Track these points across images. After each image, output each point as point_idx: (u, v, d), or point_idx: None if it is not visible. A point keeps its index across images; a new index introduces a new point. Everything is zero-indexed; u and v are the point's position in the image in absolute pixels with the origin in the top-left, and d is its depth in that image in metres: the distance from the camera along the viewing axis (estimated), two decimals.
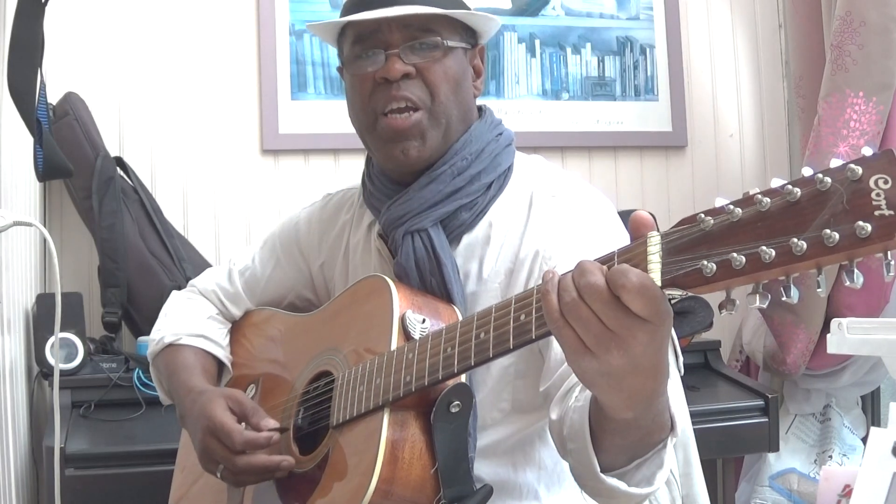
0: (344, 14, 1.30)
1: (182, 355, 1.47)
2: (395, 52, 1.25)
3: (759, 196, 0.73)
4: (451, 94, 1.28)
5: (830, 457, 2.50)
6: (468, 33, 1.32)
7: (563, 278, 0.85)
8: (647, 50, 2.85)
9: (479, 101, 1.39)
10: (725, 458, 2.45)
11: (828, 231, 0.68)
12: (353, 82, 1.31)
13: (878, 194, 0.67)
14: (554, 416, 1.12)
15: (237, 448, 1.23)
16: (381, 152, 1.30)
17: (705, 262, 0.76)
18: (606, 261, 0.85)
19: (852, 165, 0.68)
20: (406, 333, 1.17)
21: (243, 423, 1.26)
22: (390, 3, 1.25)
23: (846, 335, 1.38)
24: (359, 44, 1.29)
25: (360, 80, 1.29)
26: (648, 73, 2.85)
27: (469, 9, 1.33)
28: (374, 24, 1.26)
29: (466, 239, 1.29)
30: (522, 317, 0.95)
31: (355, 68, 1.30)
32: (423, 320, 1.18)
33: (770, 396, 2.31)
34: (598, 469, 1.01)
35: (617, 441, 0.99)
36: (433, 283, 1.25)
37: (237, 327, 1.56)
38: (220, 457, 1.25)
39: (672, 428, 1.00)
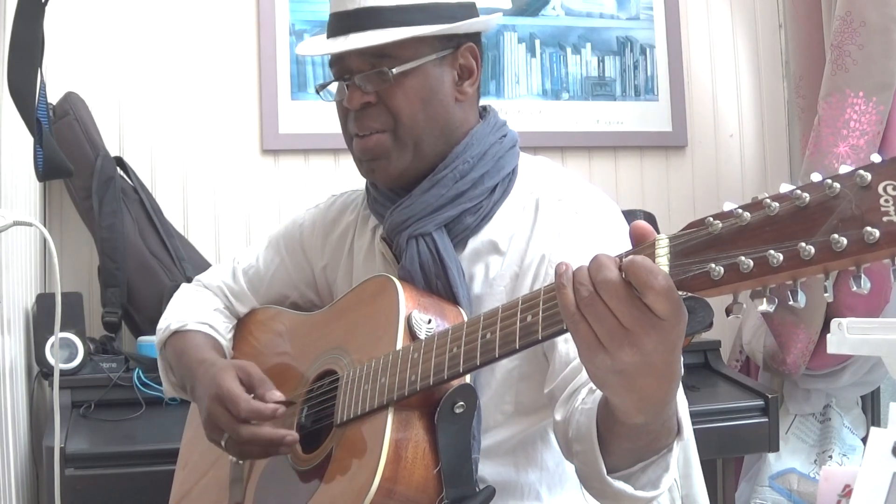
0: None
1: (191, 336, 1.48)
2: (351, 82, 1.27)
3: (768, 200, 0.73)
4: (417, 115, 1.27)
5: (830, 457, 2.50)
6: (447, 38, 1.29)
7: (578, 272, 0.85)
8: (647, 50, 2.85)
9: (482, 102, 1.39)
10: (725, 458, 2.45)
11: (836, 236, 0.69)
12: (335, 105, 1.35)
13: (886, 200, 0.67)
14: (558, 416, 1.13)
15: (242, 416, 1.22)
16: (359, 170, 1.34)
17: (713, 266, 0.76)
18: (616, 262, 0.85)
19: (861, 171, 0.68)
20: (412, 333, 1.17)
21: (252, 394, 1.26)
22: (350, 30, 1.26)
23: (846, 335, 1.38)
24: (331, 68, 1.32)
25: (337, 104, 1.32)
26: (648, 73, 2.85)
27: (454, 16, 1.28)
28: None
29: (472, 243, 1.29)
30: (529, 318, 0.96)
31: (332, 94, 1.33)
32: (429, 320, 1.18)
33: (770, 396, 2.31)
34: (605, 472, 1.01)
35: (625, 445, 0.99)
36: (439, 286, 1.25)
37: (242, 324, 1.56)
38: (225, 424, 1.24)
39: (679, 432, 1.00)
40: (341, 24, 1.28)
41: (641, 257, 0.80)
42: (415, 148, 1.28)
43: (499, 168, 1.30)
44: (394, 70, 1.25)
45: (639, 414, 0.91)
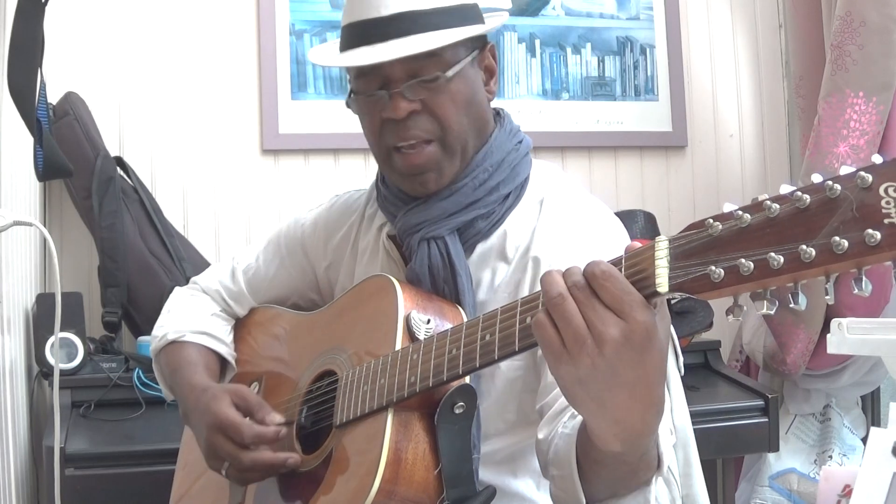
0: (343, 35, 1.28)
1: (185, 352, 1.47)
2: (397, 91, 1.22)
3: (769, 202, 0.73)
4: (462, 119, 1.25)
5: (830, 457, 2.50)
6: (476, 39, 1.28)
7: (551, 276, 0.87)
8: (647, 50, 2.85)
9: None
10: (725, 458, 2.46)
11: (837, 238, 0.68)
12: (361, 116, 1.30)
13: (887, 202, 0.67)
14: (541, 435, 1.12)
15: (246, 442, 1.22)
16: (400, 184, 1.30)
17: (713, 268, 0.76)
18: (614, 264, 0.85)
19: (862, 173, 0.68)
20: (411, 334, 1.17)
21: (248, 419, 1.26)
22: (388, 36, 1.21)
23: (846, 335, 1.38)
24: (361, 78, 1.26)
25: (367, 117, 1.27)
26: (648, 73, 2.85)
27: (478, 16, 1.28)
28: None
29: (480, 248, 1.29)
30: (528, 319, 0.95)
31: (361, 105, 1.28)
32: (428, 321, 1.18)
33: (770, 396, 2.31)
34: (584, 501, 1.01)
35: (602, 473, 0.99)
36: (445, 290, 1.25)
37: (241, 324, 1.56)
38: (226, 453, 1.24)
39: (659, 467, 1.00)
40: (374, 31, 1.23)
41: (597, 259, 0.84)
42: (462, 153, 1.27)
43: (514, 176, 1.30)
44: (449, 73, 1.22)
45: (615, 441, 0.90)
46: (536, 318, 0.86)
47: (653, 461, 0.98)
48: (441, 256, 1.26)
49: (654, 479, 1.00)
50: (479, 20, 1.28)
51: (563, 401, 1.11)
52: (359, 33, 1.25)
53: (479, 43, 1.29)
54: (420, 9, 1.22)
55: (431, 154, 1.25)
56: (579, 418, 1.01)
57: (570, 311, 0.83)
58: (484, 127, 1.30)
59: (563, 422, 1.09)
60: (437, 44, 1.21)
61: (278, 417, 1.25)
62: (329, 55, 1.34)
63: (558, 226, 1.26)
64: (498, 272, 1.28)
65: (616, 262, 0.85)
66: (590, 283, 0.83)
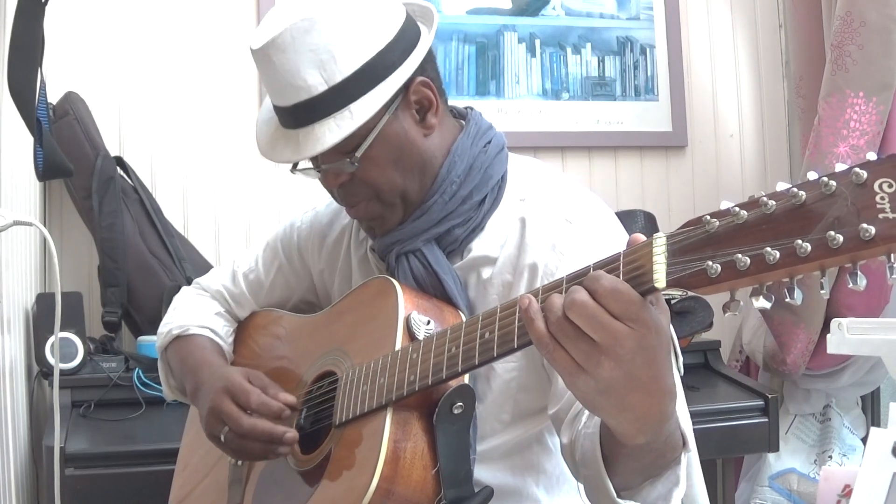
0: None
1: (196, 340, 1.49)
2: (321, 169, 1.26)
3: (765, 199, 0.74)
4: (393, 177, 1.24)
5: (830, 457, 2.50)
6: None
7: (551, 300, 0.86)
8: (647, 50, 2.85)
9: (471, 101, 1.36)
10: (725, 458, 2.46)
11: (832, 233, 0.69)
12: None
13: (882, 198, 0.67)
14: (565, 440, 1.13)
15: (251, 406, 1.23)
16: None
17: (710, 263, 0.76)
18: (612, 262, 0.86)
19: (857, 169, 0.69)
20: (411, 334, 1.17)
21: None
22: (299, 124, 1.21)
23: (846, 335, 1.38)
24: None
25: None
26: (648, 73, 2.85)
27: (397, 61, 1.21)
28: None
29: (464, 253, 1.28)
30: None
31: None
32: (428, 321, 1.18)
33: (770, 396, 2.31)
34: (615, 495, 1.01)
35: (631, 464, 0.99)
36: (436, 296, 1.26)
37: (242, 327, 1.57)
38: (228, 415, 1.24)
39: (685, 444, 1.00)
40: (286, 118, 1.25)
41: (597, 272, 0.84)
42: (403, 201, 1.27)
43: (487, 178, 1.28)
44: (357, 154, 1.22)
45: (639, 434, 0.91)
46: (545, 342, 0.86)
47: (678, 441, 0.99)
48: (423, 266, 1.26)
49: (682, 456, 1.01)
50: (395, 64, 1.21)
51: (578, 404, 1.11)
52: (279, 113, 1.27)
53: (408, 81, 1.23)
54: (315, 95, 1.19)
55: (371, 209, 1.28)
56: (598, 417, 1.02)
57: (572, 334, 0.84)
58: (426, 164, 1.26)
59: (583, 422, 1.09)
60: (327, 144, 1.19)
61: (290, 398, 1.25)
62: (264, 129, 1.33)
63: (549, 230, 1.24)
64: (483, 274, 1.27)
65: (614, 259, 0.86)
66: (595, 299, 0.82)
